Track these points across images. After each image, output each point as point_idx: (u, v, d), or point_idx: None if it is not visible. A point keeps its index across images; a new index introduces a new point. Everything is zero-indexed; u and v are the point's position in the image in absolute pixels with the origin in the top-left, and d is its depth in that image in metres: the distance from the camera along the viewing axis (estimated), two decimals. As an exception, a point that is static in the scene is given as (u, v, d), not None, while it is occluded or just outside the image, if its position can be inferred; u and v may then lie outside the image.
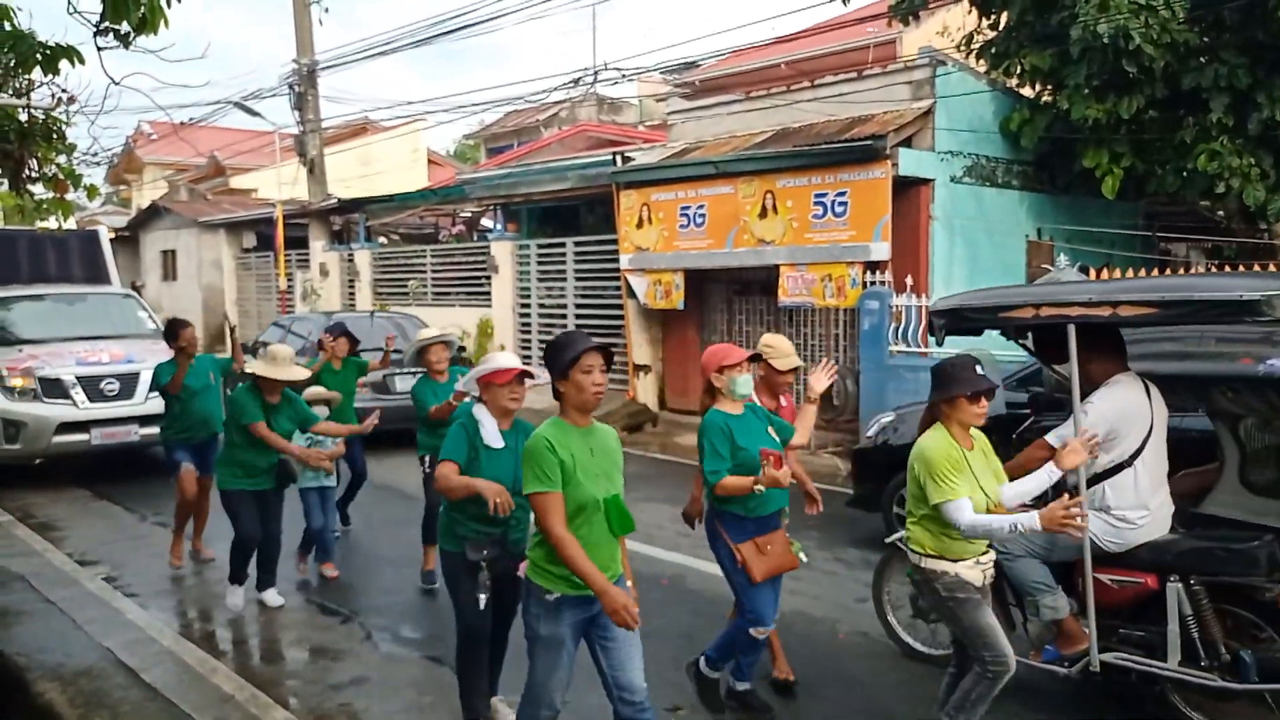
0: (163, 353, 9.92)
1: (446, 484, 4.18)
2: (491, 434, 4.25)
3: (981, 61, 12.61)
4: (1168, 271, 9.75)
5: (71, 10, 4.93)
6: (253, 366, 6.24)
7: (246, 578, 6.34)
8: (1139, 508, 4.47)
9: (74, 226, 14.01)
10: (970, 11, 12.93)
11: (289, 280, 21.23)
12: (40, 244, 11.59)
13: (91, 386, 9.92)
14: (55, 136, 5.81)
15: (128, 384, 10.06)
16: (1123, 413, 4.50)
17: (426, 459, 6.42)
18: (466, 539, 4.26)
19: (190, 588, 6.94)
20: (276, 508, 6.37)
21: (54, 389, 9.83)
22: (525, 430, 4.25)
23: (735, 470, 4.41)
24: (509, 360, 4.35)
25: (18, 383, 9.80)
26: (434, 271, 18.44)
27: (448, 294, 18.08)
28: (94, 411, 9.89)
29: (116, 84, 4.96)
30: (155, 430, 9.61)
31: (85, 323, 11.14)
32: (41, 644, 5.77)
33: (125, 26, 4.66)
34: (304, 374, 6.54)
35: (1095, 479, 4.50)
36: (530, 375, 4.34)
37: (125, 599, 6.59)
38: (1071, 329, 4.41)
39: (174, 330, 7.39)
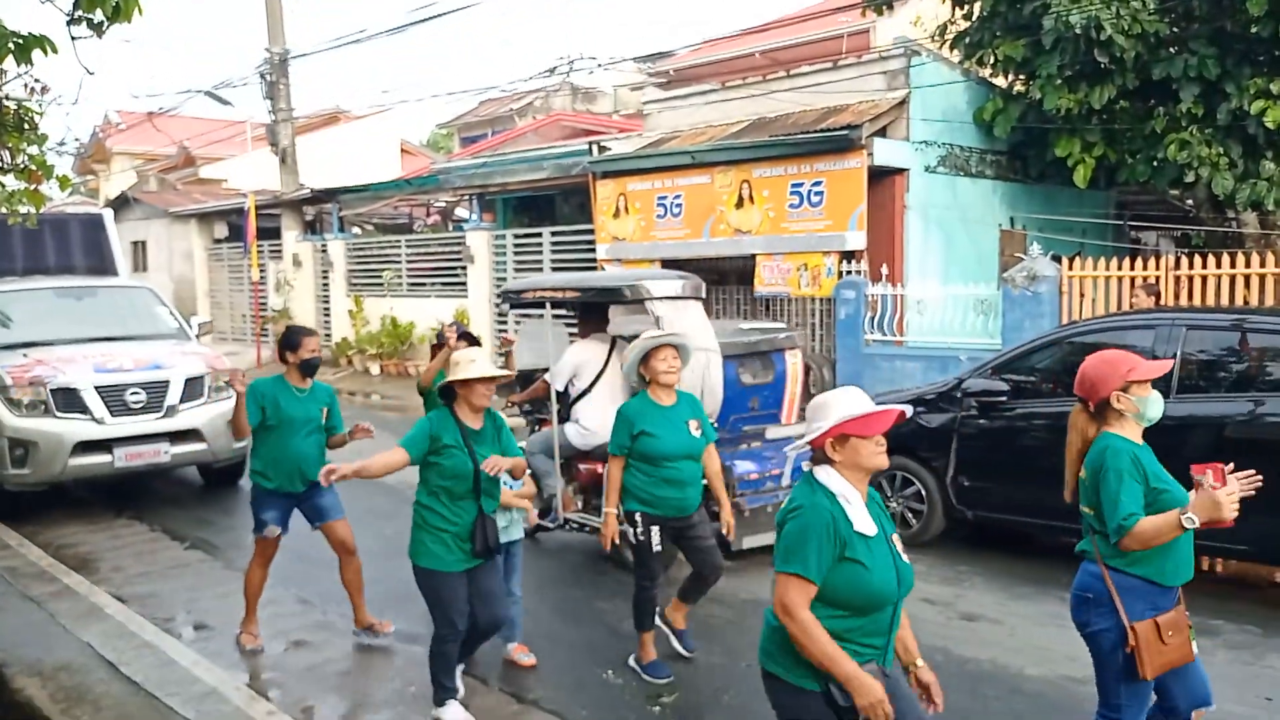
0: (198, 359, 9.07)
1: (819, 656, 2.79)
2: (862, 515, 2.91)
3: (955, 51, 12.71)
4: (1139, 260, 9.88)
5: (44, -1, 4.88)
6: (461, 371, 4.44)
7: (457, 690, 4.68)
8: (597, 421, 6.36)
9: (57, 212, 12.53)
10: (944, 1, 13.01)
11: (261, 271, 21.05)
12: (37, 230, 10.20)
13: (114, 398, 8.41)
14: (28, 127, 5.74)
15: (155, 394, 8.58)
16: (580, 360, 6.67)
17: (639, 517, 5.00)
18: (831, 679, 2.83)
19: (169, 581, 6.90)
20: (492, 579, 4.67)
21: (69, 401, 8.30)
22: (876, 499, 3.06)
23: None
24: (866, 400, 3.02)
25: (25, 394, 8.27)
26: (409, 262, 18.34)
27: (423, 284, 18.01)
28: (117, 427, 8.38)
29: (92, 74, 4.91)
30: (189, 449, 8.70)
31: (97, 321, 9.57)
32: (19, 639, 5.72)
33: (99, 15, 4.61)
34: (505, 371, 4.85)
35: (573, 401, 6.66)
36: (904, 414, 3.04)
37: (103, 593, 6.54)
38: (547, 305, 6.86)
39: (295, 339, 5.62)
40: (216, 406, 8.78)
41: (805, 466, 3.05)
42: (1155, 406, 3.49)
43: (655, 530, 4.98)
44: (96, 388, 8.39)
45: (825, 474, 2.95)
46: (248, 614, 5.73)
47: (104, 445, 8.34)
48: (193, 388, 8.77)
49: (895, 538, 3.01)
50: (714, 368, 6.56)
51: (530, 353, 7.47)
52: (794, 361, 7.39)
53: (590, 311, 6.98)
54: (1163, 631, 3.33)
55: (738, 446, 6.91)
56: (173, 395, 8.63)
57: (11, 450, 8.17)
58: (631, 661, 5.20)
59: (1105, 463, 3.40)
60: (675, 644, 5.31)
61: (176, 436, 8.61)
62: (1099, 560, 3.45)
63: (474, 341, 5.74)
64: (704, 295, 6.87)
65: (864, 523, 2.88)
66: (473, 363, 4.45)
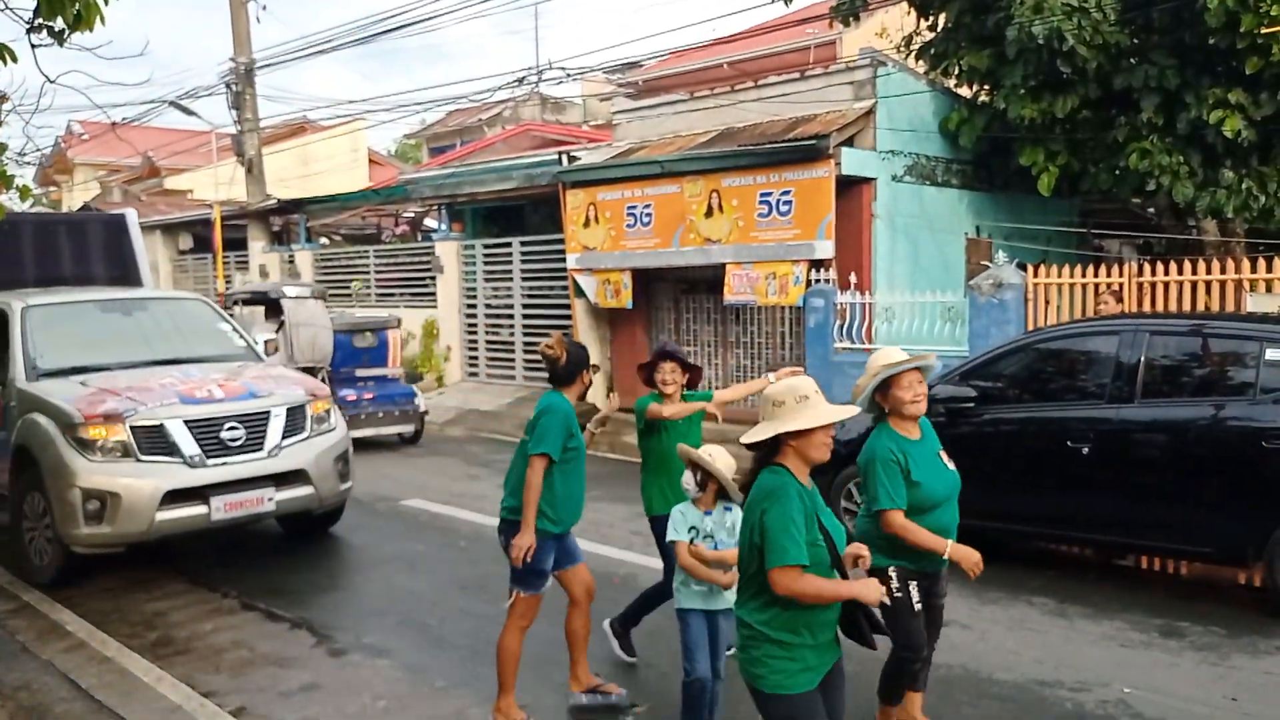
0: (295, 385, 7.65)
1: None
2: None
3: (921, 62, 12.84)
4: (1103, 266, 9.99)
5: (4, 7, 4.82)
6: (796, 416, 3.19)
7: None
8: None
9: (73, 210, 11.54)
10: (909, 13, 13.15)
11: (228, 282, 20.84)
12: (51, 232, 8.62)
13: (208, 435, 6.86)
14: (-14, 136, 5.65)
15: (255, 429, 7.09)
16: (266, 338, 11.03)
17: (893, 572, 4.22)
18: None
19: (133, 596, 6.78)
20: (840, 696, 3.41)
21: (153, 441, 6.71)
22: None
23: None
24: None
25: (99, 433, 6.61)
26: (377, 272, 18.25)
27: (392, 294, 17.92)
28: (214, 472, 6.82)
29: (52, 82, 4.85)
30: (294, 493, 7.20)
31: (155, 340, 7.99)
32: (-23, 658, 5.62)
33: (60, 23, 4.57)
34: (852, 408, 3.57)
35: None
36: None
37: (64, 610, 6.42)
38: (240, 303, 13.38)
39: (589, 357, 4.83)
40: (323, 441, 7.49)
41: None
42: None
43: (914, 586, 4.25)
44: (186, 422, 6.83)
45: None
46: (503, 690, 4.67)
47: (199, 494, 6.79)
48: (295, 420, 7.34)
49: None
50: (322, 337, 11.92)
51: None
52: (393, 334, 13.06)
53: (272, 305, 12.35)
54: None
55: (346, 383, 12.50)
56: (274, 430, 7.18)
57: (84, 503, 6.52)
58: None
59: None
60: None
61: (281, 480, 7.14)
62: None
63: (689, 367, 5.06)
64: (325, 296, 13.07)
65: None
66: (805, 399, 3.19)
